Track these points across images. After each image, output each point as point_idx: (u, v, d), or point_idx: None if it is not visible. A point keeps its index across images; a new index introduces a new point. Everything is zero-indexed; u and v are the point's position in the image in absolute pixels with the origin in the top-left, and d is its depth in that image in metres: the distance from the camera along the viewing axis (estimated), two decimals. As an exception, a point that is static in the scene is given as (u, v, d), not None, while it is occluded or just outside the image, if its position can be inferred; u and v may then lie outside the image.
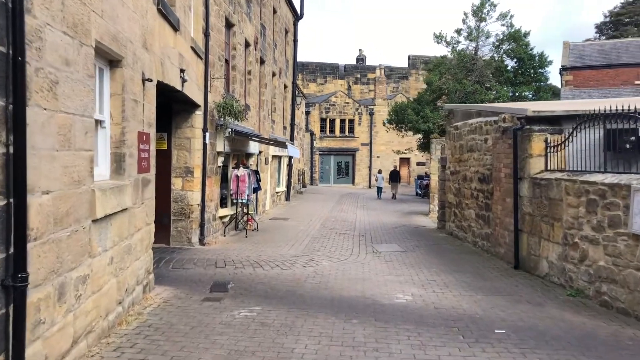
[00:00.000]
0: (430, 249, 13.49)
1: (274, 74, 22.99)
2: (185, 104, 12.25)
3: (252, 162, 17.95)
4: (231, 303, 7.86)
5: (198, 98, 12.20)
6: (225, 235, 14.68)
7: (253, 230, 15.86)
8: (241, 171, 14.72)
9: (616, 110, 7.99)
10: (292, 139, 27.61)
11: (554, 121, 10.42)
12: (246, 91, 17.63)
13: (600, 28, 55.02)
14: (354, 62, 58.35)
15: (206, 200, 13.03)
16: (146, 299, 7.84)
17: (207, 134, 12.77)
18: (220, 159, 14.18)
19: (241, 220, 15.91)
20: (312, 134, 45.13)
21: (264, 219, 19.22)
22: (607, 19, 54.58)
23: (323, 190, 38.10)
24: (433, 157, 22.14)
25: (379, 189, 33.30)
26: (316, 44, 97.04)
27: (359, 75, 56.69)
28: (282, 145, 17.30)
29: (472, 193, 13.74)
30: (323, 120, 47.35)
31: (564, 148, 9.63)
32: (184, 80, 10.42)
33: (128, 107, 6.97)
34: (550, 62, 28.93)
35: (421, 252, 12.87)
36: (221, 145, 13.98)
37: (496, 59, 28.60)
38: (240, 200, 14.93)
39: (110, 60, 6.68)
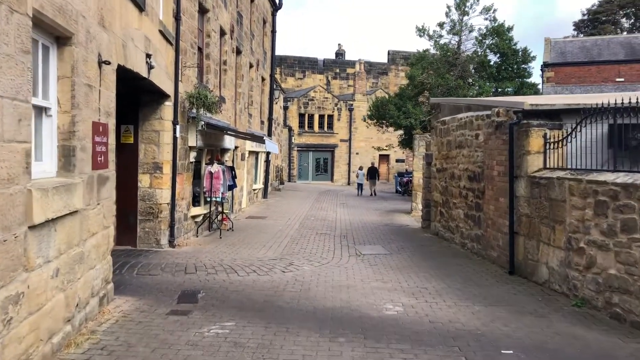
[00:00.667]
0: (416, 251, 12.71)
1: (251, 66, 21.98)
2: (153, 94, 11.24)
3: (227, 158, 16.97)
4: (201, 317, 6.93)
5: (167, 87, 11.20)
6: (198, 236, 13.69)
7: (228, 230, 14.90)
8: (215, 167, 13.73)
9: (629, 103, 7.25)
10: (269, 134, 26.63)
11: (553, 116, 9.69)
12: (221, 82, 16.62)
13: (579, 26, 55.07)
14: (333, 56, 57.43)
15: (177, 199, 12.05)
16: (103, 313, 6.86)
17: (178, 127, 11.77)
18: (193, 154, 13.18)
19: (215, 220, 14.93)
20: (290, 129, 44.19)
21: (240, 217, 18.26)
22: (585, 17, 54.67)
23: (301, 187, 37.21)
24: (416, 154, 21.41)
25: (360, 186, 33.05)
26: (295, 38, 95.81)
27: (338, 70, 55.72)
28: (259, 140, 16.33)
29: (460, 192, 12.98)
30: (302, 116, 46.36)
31: (565, 145, 8.90)
32: (150, 67, 9.41)
33: (80, 93, 5.98)
34: (534, 58, 28.41)
35: (407, 255, 12.07)
36: (193, 140, 12.98)
37: (479, 53, 27.98)
38: (214, 199, 13.94)
39: (57, 36, 5.69)
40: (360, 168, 35.56)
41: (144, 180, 11.58)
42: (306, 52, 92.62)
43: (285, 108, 43.93)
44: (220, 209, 15.12)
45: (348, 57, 57.58)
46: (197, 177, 14.13)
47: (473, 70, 29.25)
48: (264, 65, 25.78)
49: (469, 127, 12.35)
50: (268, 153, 26.43)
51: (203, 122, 12.79)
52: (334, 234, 15.35)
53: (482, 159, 11.54)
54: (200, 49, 14.14)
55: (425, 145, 17.26)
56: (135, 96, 11.45)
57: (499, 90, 27.27)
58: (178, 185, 12.10)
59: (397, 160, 47.28)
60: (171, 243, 11.76)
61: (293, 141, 44.88)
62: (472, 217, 12.20)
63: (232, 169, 15.49)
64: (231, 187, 15.21)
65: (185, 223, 12.95)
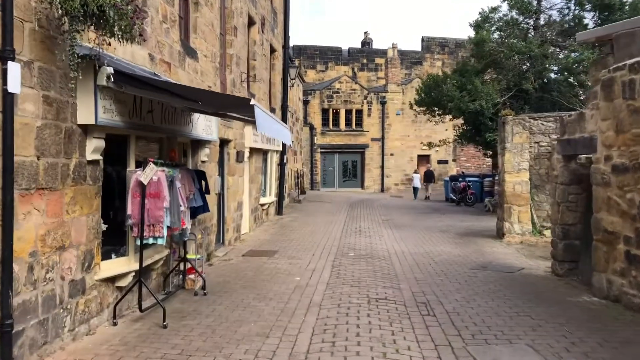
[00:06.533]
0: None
1: (251, 21, 14.62)
2: None
3: (205, 157, 9.63)
4: None
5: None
6: (116, 323, 6.29)
7: (198, 294, 7.55)
8: (148, 172, 6.23)
9: None
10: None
11: None
12: (189, 20, 9.28)
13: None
14: (358, 46, 49.98)
15: (36, 252, 4.73)
16: None
17: (17, 68, 4.42)
18: (93, 144, 5.76)
19: (174, 275, 7.61)
20: (312, 127, 36.65)
21: (234, 255, 10.94)
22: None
23: (327, 197, 29.62)
24: (508, 146, 13.77)
25: (415, 190, 31.27)
26: (315, 26, 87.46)
27: (365, 61, 48.19)
28: (239, 106, 8.27)
29: None
30: (325, 111, 38.92)
31: None
32: None
33: None
34: (645, 13, 20.50)
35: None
36: (91, 110, 5.59)
37: (571, 10, 20.25)
38: (152, 241, 6.48)
39: None
40: (416, 172, 33.45)
41: None
42: (328, 42, 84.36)
43: (306, 102, 36.63)
44: (181, 252, 7.76)
45: (375, 46, 50.13)
46: (120, 195, 6.77)
47: (554, 38, 21.50)
48: (274, 30, 18.42)
49: None
50: (282, 154, 19.06)
51: (110, 69, 5.43)
52: (401, 297, 7.87)
53: None
54: None
55: (561, 125, 9.56)
56: None
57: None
58: (43, 219, 4.77)
59: (440, 162, 39.47)
60: (5, 374, 4.43)
61: (315, 141, 37.37)
62: None
63: (199, 174, 8.03)
64: (197, 212, 7.79)
65: (77, 302, 5.58)
